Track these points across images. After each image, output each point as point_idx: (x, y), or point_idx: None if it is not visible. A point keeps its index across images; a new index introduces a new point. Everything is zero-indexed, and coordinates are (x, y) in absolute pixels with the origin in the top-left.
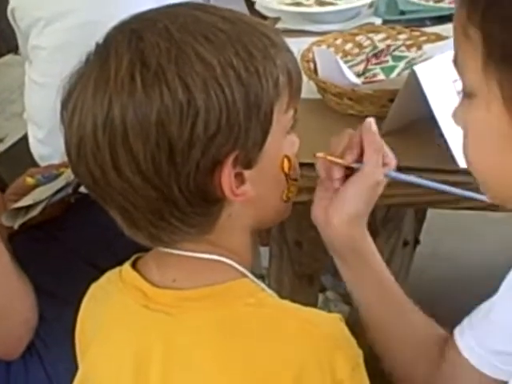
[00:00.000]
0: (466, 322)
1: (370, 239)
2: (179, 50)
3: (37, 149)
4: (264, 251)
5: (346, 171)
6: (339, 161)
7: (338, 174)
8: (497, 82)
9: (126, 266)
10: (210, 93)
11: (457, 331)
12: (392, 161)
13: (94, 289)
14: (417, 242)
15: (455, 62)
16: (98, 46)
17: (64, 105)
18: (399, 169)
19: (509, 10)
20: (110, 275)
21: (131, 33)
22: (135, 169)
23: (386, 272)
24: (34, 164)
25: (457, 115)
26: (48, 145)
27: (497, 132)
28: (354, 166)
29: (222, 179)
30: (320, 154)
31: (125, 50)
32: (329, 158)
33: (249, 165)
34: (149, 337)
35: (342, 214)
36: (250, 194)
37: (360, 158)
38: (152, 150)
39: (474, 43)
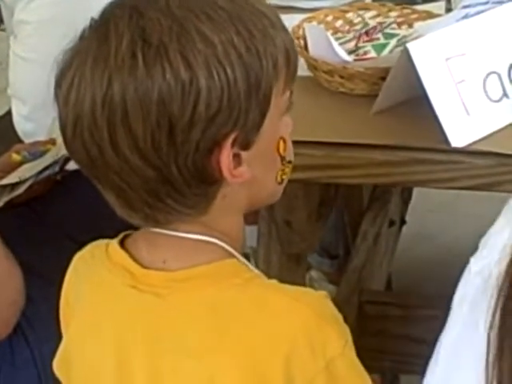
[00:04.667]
0: None
1: None
2: (181, 28)
3: (20, 125)
4: (250, 230)
5: None
6: None
7: None
8: None
9: (114, 243)
10: (212, 71)
11: None
12: None
13: (77, 262)
14: (403, 221)
15: None
16: (94, 22)
17: (58, 82)
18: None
19: None
20: (94, 250)
21: (131, 9)
22: (134, 147)
23: None
24: (18, 140)
25: None
26: (32, 121)
27: None
28: None
29: (220, 160)
30: None
31: (125, 27)
32: None
33: (246, 146)
34: (135, 318)
35: None
36: (247, 175)
37: None
38: (152, 129)
39: None
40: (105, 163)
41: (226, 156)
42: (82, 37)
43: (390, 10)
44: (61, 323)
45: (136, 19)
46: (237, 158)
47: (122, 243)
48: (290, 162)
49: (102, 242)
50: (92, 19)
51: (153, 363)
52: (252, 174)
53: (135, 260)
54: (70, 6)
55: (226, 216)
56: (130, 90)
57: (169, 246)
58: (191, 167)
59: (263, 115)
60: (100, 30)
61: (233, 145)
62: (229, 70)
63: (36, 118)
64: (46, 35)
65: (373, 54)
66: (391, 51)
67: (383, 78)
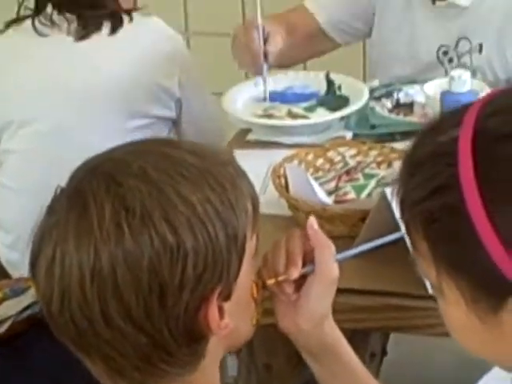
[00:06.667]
0: None
1: (338, 331)
2: (160, 192)
3: (4, 254)
4: (230, 360)
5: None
6: (292, 277)
7: (289, 288)
8: (455, 287)
9: None
10: (196, 232)
11: None
12: (332, 247)
13: None
14: (384, 353)
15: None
16: (67, 191)
17: (35, 256)
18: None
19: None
20: None
21: (106, 177)
22: (126, 316)
23: (356, 363)
24: (2, 271)
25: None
26: (17, 250)
27: (470, 329)
28: (304, 272)
29: (208, 315)
30: (271, 281)
31: (104, 197)
32: (280, 279)
33: (228, 296)
34: None
35: (311, 319)
36: (231, 325)
37: (307, 260)
38: (144, 296)
39: (423, 254)
40: (95, 335)
41: (212, 310)
42: (53, 208)
43: (370, 149)
44: None
45: (114, 188)
46: (220, 310)
47: None
48: (261, 301)
49: None
50: (59, 187)
51: None
52: (233, 322)
53: None
54: (55, 139)
55: (208, 370)
56: (119, 260)
57: None
58: (182, 328)
59: (241, 263)
60: (76, 201)
61: (217, 298)
62: (210, 228)
63: (21, 247)
64: (31, 164)
65: (352, 195)
66: (370, 193)
67: (363, 220)
